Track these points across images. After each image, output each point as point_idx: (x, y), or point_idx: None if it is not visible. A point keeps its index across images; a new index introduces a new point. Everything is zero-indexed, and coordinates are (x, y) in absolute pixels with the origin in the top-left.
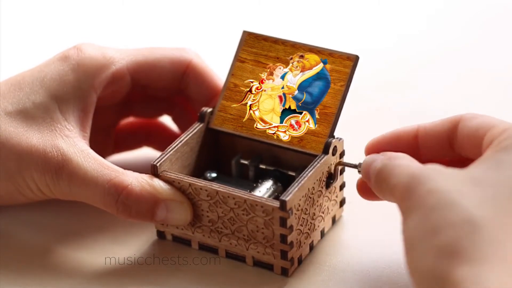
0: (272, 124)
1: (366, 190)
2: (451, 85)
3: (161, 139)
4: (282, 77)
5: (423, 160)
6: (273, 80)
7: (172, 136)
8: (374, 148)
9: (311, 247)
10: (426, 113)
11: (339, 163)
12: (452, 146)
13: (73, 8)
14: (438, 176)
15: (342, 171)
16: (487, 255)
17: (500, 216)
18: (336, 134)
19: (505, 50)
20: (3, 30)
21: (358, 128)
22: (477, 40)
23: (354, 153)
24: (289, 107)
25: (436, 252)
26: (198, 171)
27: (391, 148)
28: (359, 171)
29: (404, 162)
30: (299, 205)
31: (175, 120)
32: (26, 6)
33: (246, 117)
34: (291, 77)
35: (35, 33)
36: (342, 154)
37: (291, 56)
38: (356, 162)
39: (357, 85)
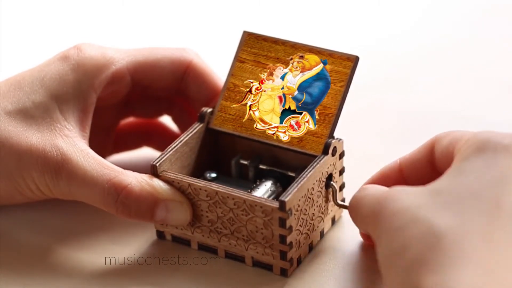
0: (272, 125)
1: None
2: (451, 83)
3: (161, 139)
4: (282, 78)
5: None
6: (273, 80)
7: (172, 136)
8: None
9: (311, 248)
10: (427, 112)
11: (337, 204)
12: (435, 168)
13: (73, 8)
14: (400, 196)
15: (341, 172)
16: (451, 260)
17: (461, 220)
18: (335, 134)
19: (503, 47)
20: (3, 30)
21: (358, 129)
22: (476, 37)
23: (354, 154)
24: (289, 107)
25: (405, 269)
26: (197, 171)
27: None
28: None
29: (370, 191)
30: (299, 206)
31: (175, 120)
32: (26, 6)
33: (246, 117)
34: (291, 78)
35: (35, 33)
36: (341, 155)
37: (291, 57)
38: (354, 165)
39: (357, 85)
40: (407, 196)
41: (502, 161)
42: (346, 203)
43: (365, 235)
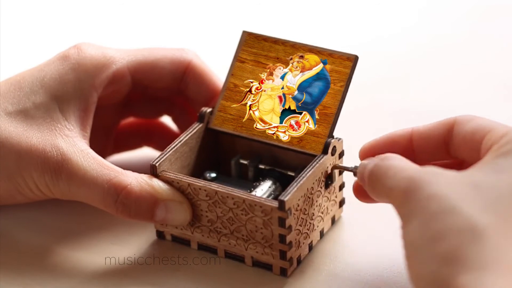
0: (271, 125)
1: (362, 192)
2: (451, 83)
3: (161, 139)
4: (282, 78)
5: (418, 163)
6: (273, 80)
7: (172, 136)
8: (368, 152)
9: (310, 247)
10: (427, 112)
11: (335, 167)
12: (447, 149)
13: (73, 8)
14: (438, 180)
15: (341, 172)
16: (489, 262)
17: (502, 222)
18: (335, 134)
19: (501, 46)
20: (3, 30)
21: (357, 129)
22: (474, 36)
23: (354, 153)
24: (289, 107)
25: (438, 259)
26: (197, 171)
27: (386, 152)
28: (354, 174)
29: (398, 163)
30: (298, 205)
31: (175, 120)
32: (26, 6)
33: (246, 117)
34: (291, 78)
35: (35, 33)
36: (341, 154)
37: (291, 57)
38: (354, 164)
39: (356, 85)
40: (446, 181)
41: None
42: (348, 199)
43: (359, 191)
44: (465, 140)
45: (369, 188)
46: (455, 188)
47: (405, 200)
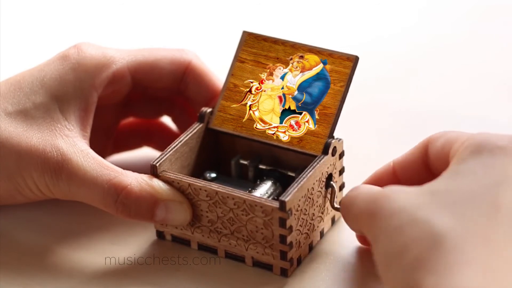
0: (271, 125)
1: (363, 238)
2: (451, 82)
3: (161, 139)
4: (282, 78)
5: None
6: (273, 80)
7: (172, 136)
8: None
9: (311, 248)
10: (427, 111)
11: (333, 208)
12: (429, 169)
13: (73, 8)
14: (398, 196)
15: (341, 172)
16: (452, 262)
17: (460, 221)
18: (335, 134)
19: (500, 46)
20: (3, 30)
21: (357, 129)
22: (474, 36)
23: (354, 153)
24: (289, 107)
25: (407, 269)
26: (197, 171)
27: None
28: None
29: (362, 190)
30: (299, 206)
31: (175, 120)
32: (26, 6)
33: (246, 117)
34: (291, 78)
35: (35, 33)
36: (341, 155)
37: (291, 57)
38: (353, 165)
39: (357, 85)
40: (404, 196)
41: (499, 162)
42: None
43: (362, 238)
44: (438, 156)
45: (345, 220)
46: (413, 200)
47: (370, 221)
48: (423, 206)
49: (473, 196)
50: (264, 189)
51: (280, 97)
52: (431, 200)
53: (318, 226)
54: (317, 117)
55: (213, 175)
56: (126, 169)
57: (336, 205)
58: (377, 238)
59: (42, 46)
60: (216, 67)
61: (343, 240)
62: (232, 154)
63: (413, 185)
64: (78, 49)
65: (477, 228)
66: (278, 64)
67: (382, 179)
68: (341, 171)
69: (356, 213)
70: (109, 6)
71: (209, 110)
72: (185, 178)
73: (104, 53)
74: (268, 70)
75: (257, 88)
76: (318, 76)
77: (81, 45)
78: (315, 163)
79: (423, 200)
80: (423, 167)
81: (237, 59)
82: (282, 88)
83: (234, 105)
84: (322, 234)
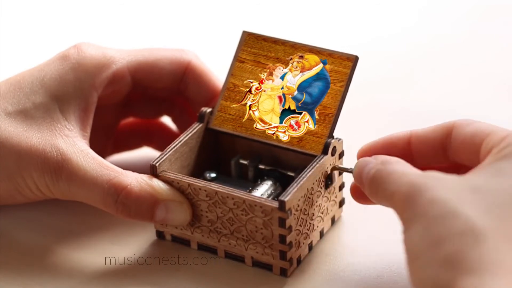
0: (271, 125)
1: (360, 194)
2: (451, 82)
3: (161, 139)
4: (282, 78)
5: (416, 166)
6: (273, 80)
7: (172, 136)
8: (367, 154)
9: (310, 248)
10: (427, 112)
11: (334, 168)
12: (445, 152)
13: (73, 8)
14: (439, 185)
15: (340, 172)
16: (489, 264)
17: (503, 225)
18: (335, 134)
19: (501, 46)
20: (3, 30)
21: (357, 129)
22: (475, 36)
23: (354, 153)
24: (289, 107)
25: (440, 263)
26: (197, 171)
27: (385, 154)
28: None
29: (400, 168)
30: (298, 206)
31: (175, 120)
32: (26, 6)
33: (246, 117)
34: (290, 78)
35: (35, 33)
36: (341, 155)
37: (290, 57)
38: (353, 165)
39: (356, 85)
40: (446, 186)
41: None
42: (348, 199)
43: (356, 193)
44: (464, 144)
45: (369, 191)
46: (455, 192)
47: (407, 205)
48: (466, 201)
49: None
50: (263, 189)
51: (280, 97)
52: (474, 196)
53: (318, 226)
54: (317, 117)
55: (213, 175)
56: (126, 169)
57: (341, 166)
58: (412, 223)
59: (42, 46)
60: (216, 67)
61: (343, 240)
62: (232, 154)
63: (426, 161)
64: (78, 49)
65: None
66: (278, 64)
67: (395, 146)
68: (340, 172)
69: (389, 192)
70: (109, 6)
71: (209, 110)
72: (185, 178)
73: (104, 53)
74: (268, 70)
75: (257, 88)
76: (318, 76)
77: (81, 45)
78: (315, 163)
79: (466, 195)
80: (440, 148)
81: (237, 59)
82: (282, 88)
83: (234, 105)
84: (322, 234)
